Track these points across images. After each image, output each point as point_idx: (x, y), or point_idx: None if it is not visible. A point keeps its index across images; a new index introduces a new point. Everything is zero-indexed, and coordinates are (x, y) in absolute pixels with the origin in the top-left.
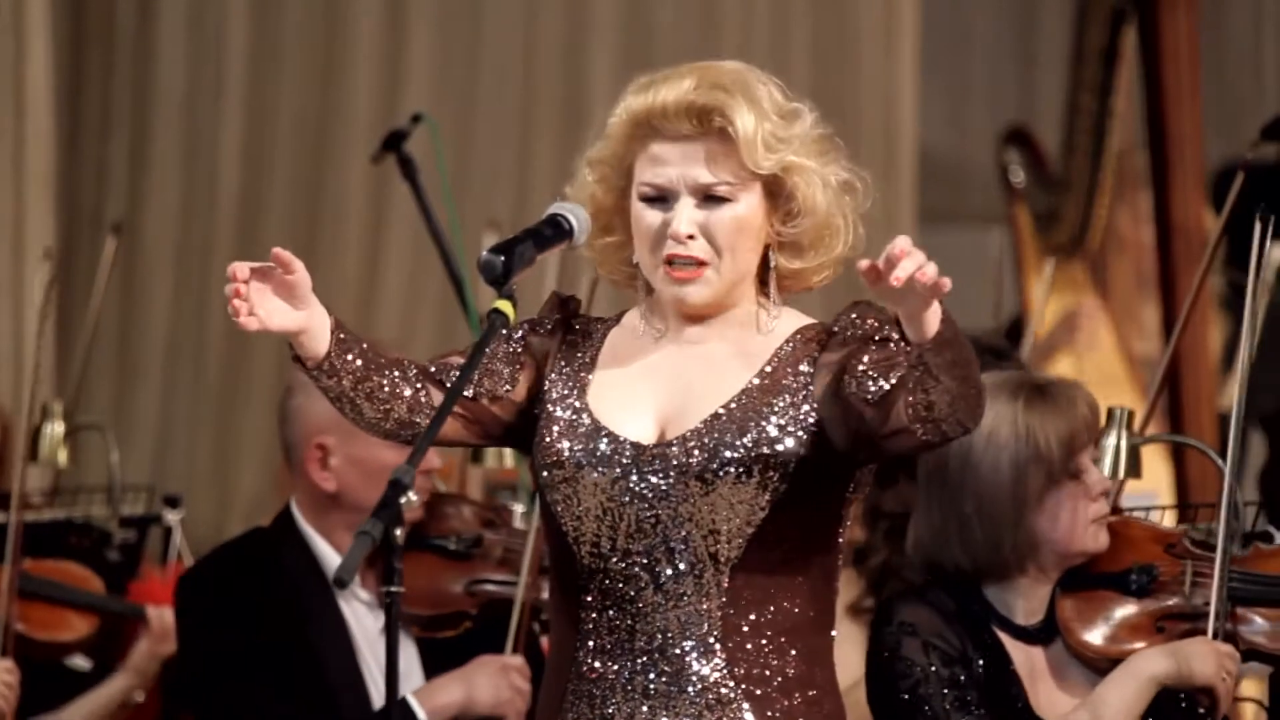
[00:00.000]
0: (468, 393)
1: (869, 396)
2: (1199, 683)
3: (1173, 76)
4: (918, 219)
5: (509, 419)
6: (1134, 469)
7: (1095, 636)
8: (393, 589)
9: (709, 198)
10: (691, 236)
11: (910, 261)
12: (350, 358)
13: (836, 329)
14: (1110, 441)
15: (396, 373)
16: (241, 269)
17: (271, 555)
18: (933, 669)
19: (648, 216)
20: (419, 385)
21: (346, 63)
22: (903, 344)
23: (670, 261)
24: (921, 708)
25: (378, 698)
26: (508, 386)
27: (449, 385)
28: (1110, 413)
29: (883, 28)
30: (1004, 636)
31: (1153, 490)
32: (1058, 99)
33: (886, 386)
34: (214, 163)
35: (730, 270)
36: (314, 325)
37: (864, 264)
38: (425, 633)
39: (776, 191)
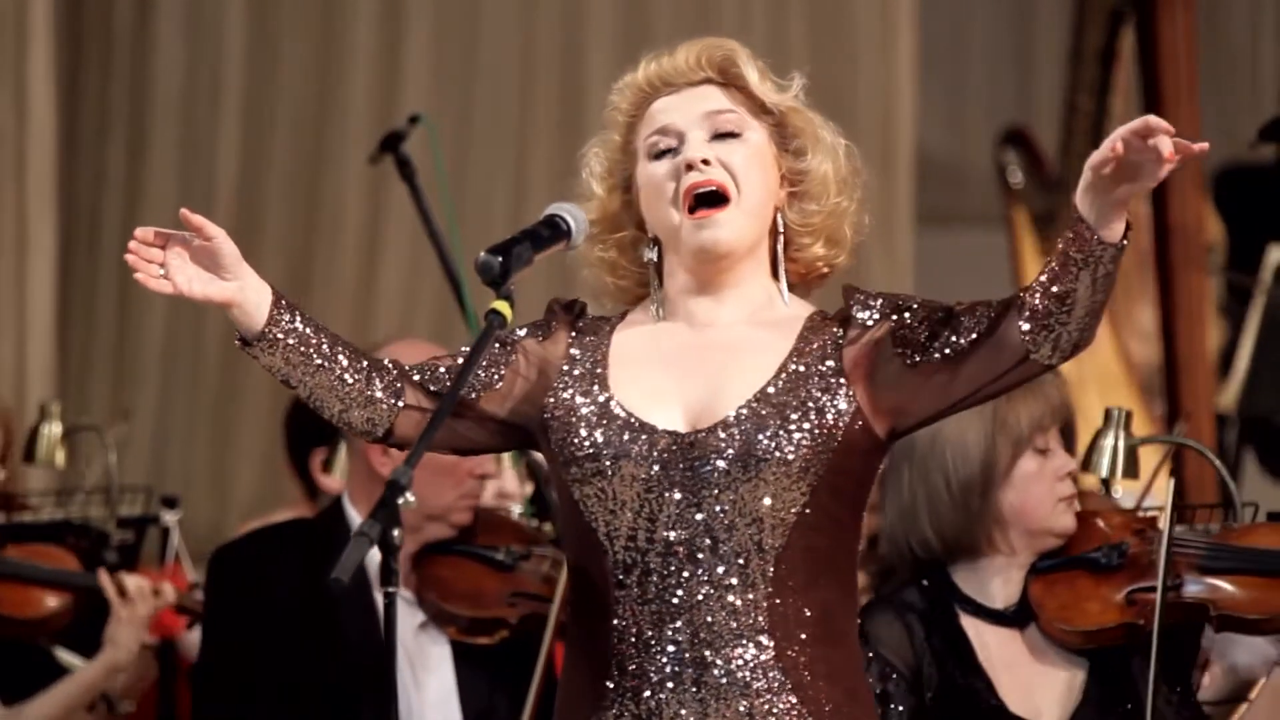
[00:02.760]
0: (439, 387)
1: (963, 342)
2: None
3: (1170, 77)
4: (916, 220)
5: (496, 411)
6: (1131, 469)
7: (1066, 613)
8: (391, 589)
9: (718, 136)
10: (707, 162)
11: (1167, 137)
12: (296, 337)
13: (851, 313)
14: (1108, 442)
15: (360, 372)
16: (144, 231)
17: (314, 544)
18: (868, 676)
19: (659, 169)
20: (392, 384)
21: (344, 64)
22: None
23: (691, 207)
24: None
25: (401, 695)
26: (495, 382)
27: (433, 386)
28: (1108, 413)
29: (880, 28)
30: (973, 627)
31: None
32: (1056, 100)
33: (981, 329)
34: (212, 163)
35: (750, 204)
36: (246, 299)
37: (1102, 153)
38: (462, 636)
39: (781, 132)
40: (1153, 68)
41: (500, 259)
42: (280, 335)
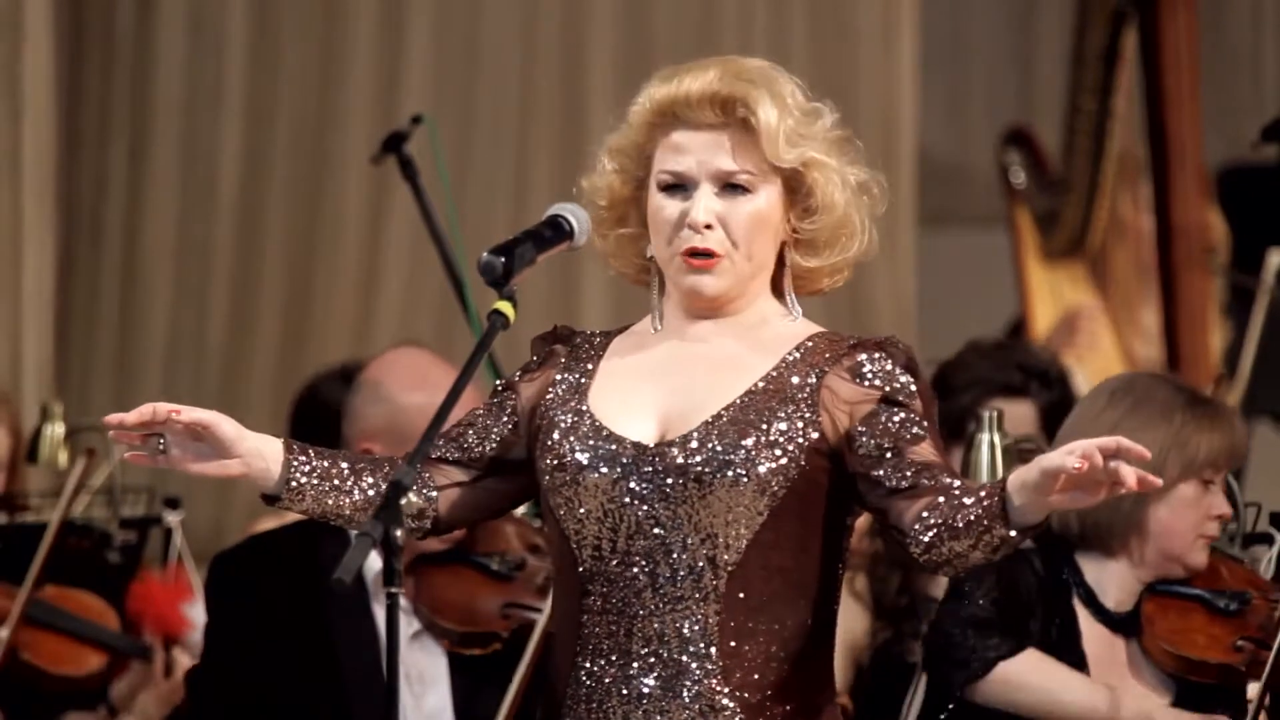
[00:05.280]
0: (473, 453)
1: (897, 485)
2: None
3: (1172, 78)
4: (917, 220)
5: (518, 455)
6: None
7: (1175, 636)
8: (393, 589)
9: (728, 187)
10: (709, 226)
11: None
12: (318, 476)
13: (862, 356)
14: None
15: (371, 479)
16: (138, 414)
17: (312, 549)
18: (995, 593)
19: (666, 207)
20: (420, 476)
21: (345, 64)
22: (925, 436)
23: (687, 253)
24: (955, 599)
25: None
26: (507, 430)
27: (457, 455)
28: None
29: (881, 29)
30: (1083, 616)
31: None
32: (1057, 100)
33: (906, 485)
34: (214, 165)
35: (745, 264)
36: (252, 469)
37: (1060, 462)
38: (455, 648)
39: (796, 187)
40: (1155, 68)
41: (503, 259)
42: (303, 479)
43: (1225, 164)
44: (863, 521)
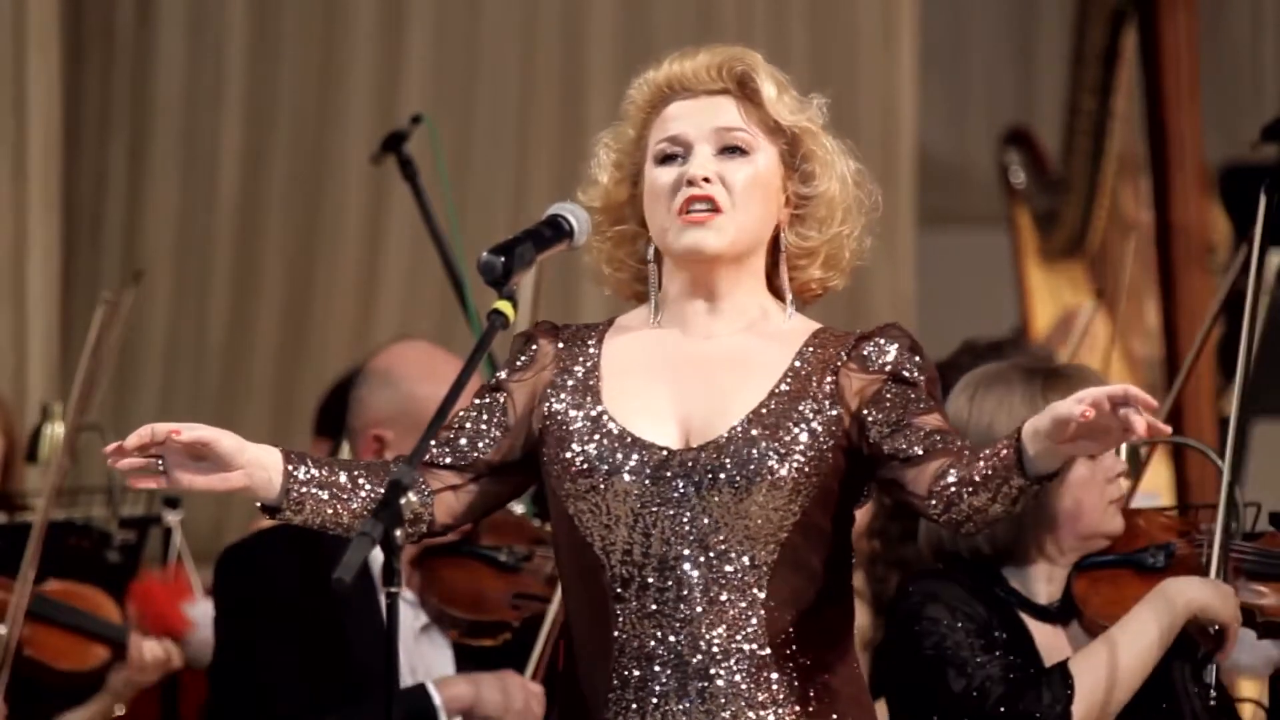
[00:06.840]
0: (466, 456)
1: (910, 453)
2: (1224, 618)
3: (1172, 77)
4: (917, 220)
5: (511, 457)
6: (1132, 468)
7: (1110, 609)
8: (392, 589)
9: (726, 149)
10: (708, 180)
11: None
12: (316, 485)
13: (867, 346)
14: None
15: (369, 486)
16: (137, 439)
17: (316, 543)
18: (958, 624)
19: (663, 175)
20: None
21: (345, 64)
22: (931, 403)
23: (686, 210)
24: (946, 658)
25: None
26: (503, 434)
27: (451, 459)
28: None
29: (881, 29)
30: (1028, 620)
31: (1153, 491)
32: (1057, 100)
33: (920, 451)
34: (213, 164)
35: (744, 224)
36: (254, 481)
37: (1070, 410)
38: (464, 638)
39: (792, 154)
40: (1154, 68)
41: (502, 259)
42: (302, 490)
43: (1225, 163)
44: (861, 521)
